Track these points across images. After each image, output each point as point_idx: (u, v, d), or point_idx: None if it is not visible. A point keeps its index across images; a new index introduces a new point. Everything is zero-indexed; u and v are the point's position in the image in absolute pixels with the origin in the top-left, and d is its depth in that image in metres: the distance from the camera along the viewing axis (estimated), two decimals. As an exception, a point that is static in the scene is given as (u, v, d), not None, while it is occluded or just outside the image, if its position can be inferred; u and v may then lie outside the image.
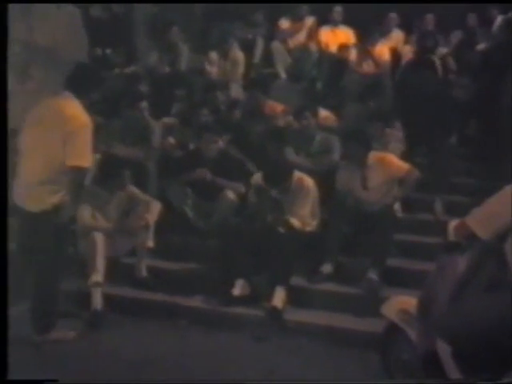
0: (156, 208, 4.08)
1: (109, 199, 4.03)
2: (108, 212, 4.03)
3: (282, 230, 3.89)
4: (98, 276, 3.73)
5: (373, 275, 3.79)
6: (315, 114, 4.76)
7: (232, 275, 3.83)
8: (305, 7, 6.62)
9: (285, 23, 6.69)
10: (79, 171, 3.17)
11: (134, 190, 4.12)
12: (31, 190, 3.20)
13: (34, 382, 2.59)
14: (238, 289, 3.78)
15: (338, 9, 6.55)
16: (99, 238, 3.79)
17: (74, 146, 3.12)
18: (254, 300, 3.78)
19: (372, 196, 4.12)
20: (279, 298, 3.70)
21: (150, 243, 4.05)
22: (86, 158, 3.17)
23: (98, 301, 3.71)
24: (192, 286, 3.98)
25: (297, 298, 3.77)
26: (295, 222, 3.97)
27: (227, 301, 3.76)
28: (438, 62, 4.91)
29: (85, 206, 3.86)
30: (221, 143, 4.45)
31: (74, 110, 3.20)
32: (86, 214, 3.90)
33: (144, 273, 4.03)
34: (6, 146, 3.03)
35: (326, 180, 4.20)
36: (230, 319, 3.69)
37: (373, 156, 4.16)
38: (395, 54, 6.08)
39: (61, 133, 3.14)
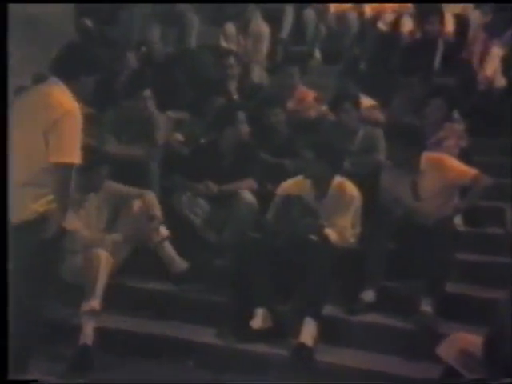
0: (153, 199, 4.18)
1: (83, 203, 4.12)
2: (91, 220, 4.11)
3: (315, 239, 3.91)
4: (95, 302, 3.75)
5: (427, 305, 3.76)
6: (357, 104, 4.74)
7: (250, 303, 3.84)
8: None
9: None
10: (65, 169, 3.14)
11: (115, 185, 4.18)
12: (13, 196, 3.17)
13: (34, 381, 2.85)
14: (258, 320, 3.78)
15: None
16: (104, 256, 3.84)
17: (57, 137, 3.11)
18: (277, 335, 3.78)
19: (426, 207, 4.10)
20: (309, 332, 3.70)
21: (165, 232, 4.18)
22: (72, 151, 3.14)
23: (89, 334, 3.71)
24: (201, 316, 3.99)
25: (331, 333, 3.75)
26: (332, 233, 3.99)
27: (244, 336, 3.76)
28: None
29: (75, 213, 3.94)
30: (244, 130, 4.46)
31: (59, 96, 3.21)
32: (77, 224, 3.96)
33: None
34: (6, 147, 3.09)
35: (367, 185, 4.20)
36: (248, 359, 3.70)
37: (427, 158, 4.13)
38: (463, 22, 5.95)
39: (42, 122, 3.15)
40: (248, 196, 4.30)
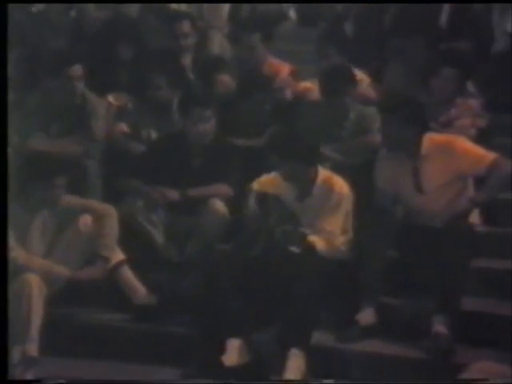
0: (109, 212, 4.12)
1: (29, 222, 4.04)
2: (31, 242, 4.04)
3: (296, 250, 3.91)
4: (31, 346, 3.71)
5: (439, 326, 3.68)
6: (353, 80, 4.66)
7: (222, 333, 3.80)
8: None
9: None
10: None
11: (73, 200, 4.12)
12: None
13: (34, 381, 3.16)
14: (232, 355, 3.72)
15: None
16: (35, 282, 3.80)
17: None
18: (256, 372, 3.75)
19: (431, 202, 4.03)
20: (295, 367, 3.66)
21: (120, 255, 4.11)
22: None
23: None
24: (162, 353, 3.94)
25: (322, 366, 3.71)
26: (318, 241, 3.95)
27: (216, 375, 3.69)
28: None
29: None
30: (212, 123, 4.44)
31: None
32: (10, 244, 3.87)
33: None
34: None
35: (360, 180, 4.14)
36: (221, 404, 3.70)
37: (431, 140, 4.05)
38: None
39: None
40: (218, 205, 4.24)
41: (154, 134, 4.76)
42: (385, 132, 4.19)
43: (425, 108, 4.19)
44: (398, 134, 4.03)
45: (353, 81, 4.68)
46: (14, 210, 3.91)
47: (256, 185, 4.19)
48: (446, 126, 4.44)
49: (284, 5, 6.33)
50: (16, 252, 3.91)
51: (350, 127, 4.59)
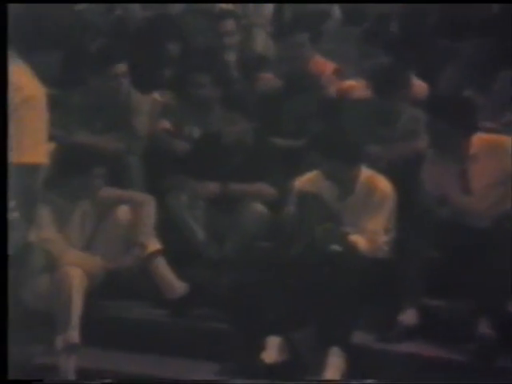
0: (148, 203, 4.14)
1: (70, 211, 4.07)
2: (70, 234, 4.07)
3: (337, 248, 3.89)
4: (73, 334, 3.72)
5: (485, 328, 3.64)
6: (407, 82, 4.61)
7: (262, 331, 3.80)
8: None
9: None
10: (28, 171, 3.00)
11: (111, 191, 4.14)
12: None
13: (34, 381, 3.02)
14: (272, 352, 3.72)
15: None
16: (76, 275, 3.81)
17: (16, 131, 2.94)
18: (295, 370, 3.73)
19: (477, 203, 3.99)
20: (335, 366, 3.65)
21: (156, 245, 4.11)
22: (36, 149, 3.00)
23: (69, 377, 3.70)
24: (200, 349, 3.94)
25: (362, 366, 3.69)
26: (360, 240, 3.95)
27: (255, 372, 3.69)
28: None
29: (44, 223, 3.90)
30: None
31: (17, 77, 2.99)
32: (47, 235, 3.91)
33: None
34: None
35: (404, 179, 4.12)
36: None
37: (480, 140, 4.01)
38: None
39: None
40: (259, 207, 4.25)
41: (196, 132, 4.74)
42: (433, 133, 4.15)
43: (483, 109, 4.16)
44: (446, 135, 3.99)
45: (407, 83, 4.64)
46: (54, 201, 3.99)
47: (297, 183, 4.19)
48: (503, 131, 4.32)
49: (328, 4, 6.31)
50: (53, 244, 3.95)
51: (398, 129, 4.56)
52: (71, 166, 4.04)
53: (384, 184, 4.06)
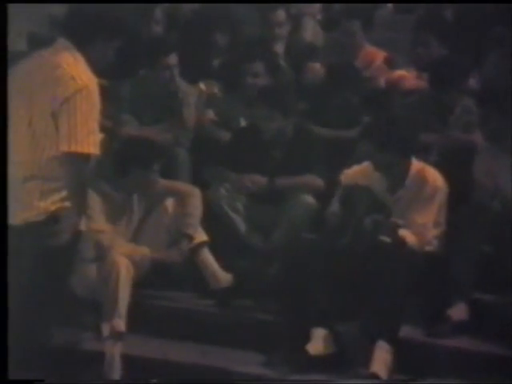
0: (194, 195, 4.16)
1: (122, 203, 4.12)
2: (125, 224, 4.13)
3: (387, 239, 3.88)
4: (119, 323, 3.76)
5: None
6: (464, 75, 4.56)
7: (307, 322, 3.80)
8: None
9: None
10: (79, 160, 3.07)
11: (162, 183, 4.17)
12: (13, 191, 3.11)
13: (34, 381, 2.99)
14: (318, 344, 3.72)
15: None
16: (124, 264, 3.85)
17: (69, 120, 3.05)
18: (341, 363, 3.73)
19: None
20: (382, 360, 3.63)
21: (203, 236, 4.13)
22: (87, 139, 3.07)
23: (115, 363, 3.74)
24: (246, 340, 3.95)
25: (410, 361, 3.67)
26: (409, 235, 3.91)
27: (300, 364, 3.69)
28: None
29: (95, 213, 3.95)
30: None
31: (71, 66, 3.12)
32: (98, 226, 3.97)
33: None
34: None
35: (456, 173, 4.08)
36: (306, 394, 3.70)
37: None
38: None
39: (50, 101, 3.08)
40: (309, 199, 4.23)
41: (243, 123, 4.75)
42: (485, 124, 4.14)
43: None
44: (498, 126, 3.97)
45: (465, 74, 4.58)
46: (106, 192, 4.05)
47: (345, 175, 4.16)
48: None
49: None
50: (103, 235, 3.99)
51: (452, 121, 4.50)
52: (131, 160, 4.07)
53: (435, 177, 4.03)
